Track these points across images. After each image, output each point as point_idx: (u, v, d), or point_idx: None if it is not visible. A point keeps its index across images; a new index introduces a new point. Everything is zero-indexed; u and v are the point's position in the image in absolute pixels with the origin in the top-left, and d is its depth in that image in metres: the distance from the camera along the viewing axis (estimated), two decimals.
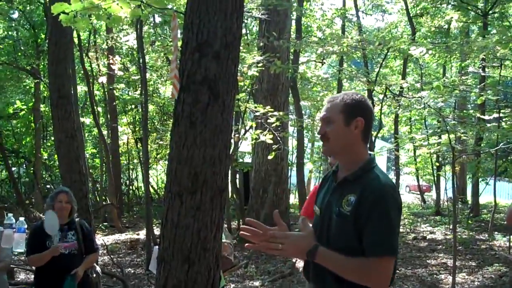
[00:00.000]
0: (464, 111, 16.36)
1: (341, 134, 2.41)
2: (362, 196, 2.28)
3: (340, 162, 2.54)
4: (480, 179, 18.02)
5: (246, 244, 2.28)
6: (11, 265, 9.17)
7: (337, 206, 2.38)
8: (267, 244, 2.38)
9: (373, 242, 2.24)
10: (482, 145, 16.13)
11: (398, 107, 14.18)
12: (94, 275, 4.92)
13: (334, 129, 2.41)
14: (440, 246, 12.16)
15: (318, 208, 2.58)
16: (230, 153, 10.28)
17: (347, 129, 2.40)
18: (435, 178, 21.77)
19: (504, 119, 10.78)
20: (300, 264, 8.93)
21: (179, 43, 3.39)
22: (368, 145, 2.53)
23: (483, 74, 12.35)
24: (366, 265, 2.23)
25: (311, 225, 2.63)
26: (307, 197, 4.82)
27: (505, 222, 14.93)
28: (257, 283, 9.10)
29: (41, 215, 6.99)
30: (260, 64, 9.81)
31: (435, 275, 9.12)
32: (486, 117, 11.01)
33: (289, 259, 10.40)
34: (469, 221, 15.89)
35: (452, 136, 9.29)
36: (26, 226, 4.15)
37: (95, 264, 5.01)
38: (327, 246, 2.35)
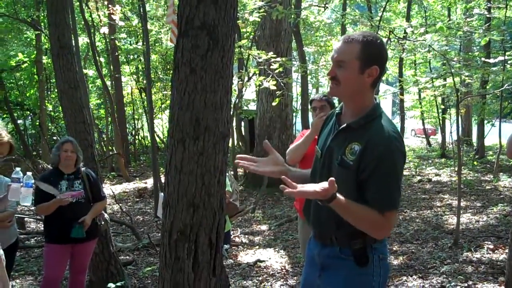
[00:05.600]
0: (469, 53, 16.20)
1: (352, 80, 2.30)
2: (367, 147, 2.23)
3: (346, 106, 2.47)
4: (485, 121, 17.96)
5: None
6: (22, 215, 9.37)
7: (339, 154, 2.33)
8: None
9: (381, 197, 2.22)
10: (487, 87, 16.05)
11: (402, 51, 14.05)
12: (103, 223, 5.01)
13: (346, 75, 2.30)
14: (445, 188, 12.26)
15: (320, 150, 2.53)
16: (235, 100, 10.21)
17: (360, 77, 2.29)
18: (440, 121, 21.76)
19: (509, 62, 10.65)
20: None
21: None
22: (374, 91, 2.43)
23: (488, 15, 12.13)
24: (376, 219, 2.21)
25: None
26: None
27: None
28: (264, 227, 9.25)
29: (49, 166, 7.05)
30: (262, 10, 9.65)
31: (440, 216, 9.23)
32: (491, 60, 10.88)
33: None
34: (475, 163, 15.98)
35: (457, 79, 9.20)
36: (33, 181, 4.20)
37: (103, 212, 5.09)
38: None
